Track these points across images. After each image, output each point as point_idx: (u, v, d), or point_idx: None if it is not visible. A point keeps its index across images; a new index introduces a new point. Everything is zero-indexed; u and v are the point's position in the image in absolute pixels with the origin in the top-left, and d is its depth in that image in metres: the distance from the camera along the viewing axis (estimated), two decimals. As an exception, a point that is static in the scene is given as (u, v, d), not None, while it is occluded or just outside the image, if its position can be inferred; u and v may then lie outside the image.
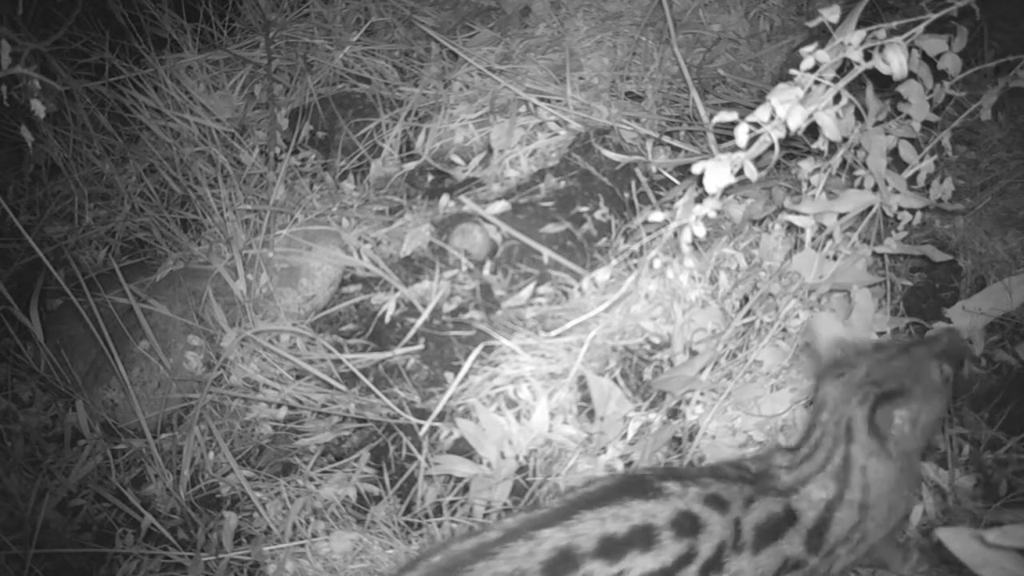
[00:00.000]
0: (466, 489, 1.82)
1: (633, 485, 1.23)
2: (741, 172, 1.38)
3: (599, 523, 1.17)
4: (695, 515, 1.21)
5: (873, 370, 1.34)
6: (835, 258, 1.71)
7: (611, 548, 1.15)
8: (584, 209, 2.26)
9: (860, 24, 1.37)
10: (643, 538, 1.17)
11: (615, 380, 1.92)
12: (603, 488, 1.23)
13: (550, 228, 2.23)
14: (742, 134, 1.33)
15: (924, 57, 1.51)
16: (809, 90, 1.37)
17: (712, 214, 1.45)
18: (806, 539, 1.27)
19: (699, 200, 1.46)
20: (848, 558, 1.33)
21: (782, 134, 1.36)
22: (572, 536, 1.16)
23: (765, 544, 1.24)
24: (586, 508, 1.19)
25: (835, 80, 1.39)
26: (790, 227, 1.94)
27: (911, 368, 1.33)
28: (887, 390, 1.30)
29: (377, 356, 2.07)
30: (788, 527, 1.27)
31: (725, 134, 1.81)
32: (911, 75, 1.49)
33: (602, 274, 2.10)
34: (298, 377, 2.08)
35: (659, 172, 2.30)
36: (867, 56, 1.39)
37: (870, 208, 1.65)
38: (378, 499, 1.87)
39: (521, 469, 1.84)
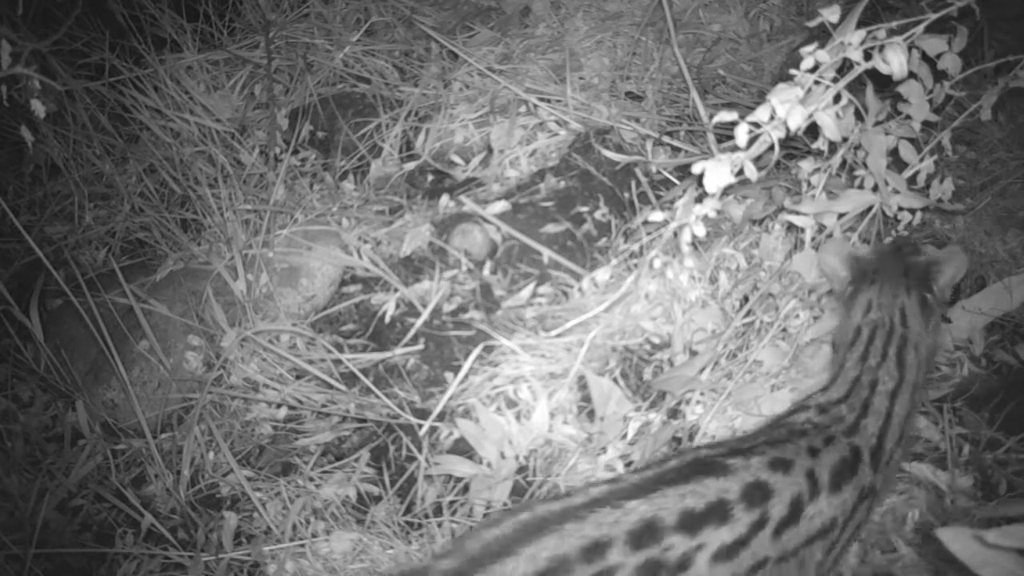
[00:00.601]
0: (466, 489, 1.82)
1: (704, 466, 1.29)
2: (741, 172, 1.38)
3: (679, 499, 1.23)
4: (764, 483, 1.28)
5: (903, 268, 1.49)
6: (835, 258, 1.71)
7: (690, 522, 1.22)
8: (584, 209, 2.26)
9: (860, 24, 1.37)
10: (719, 513, 1.24)
11: (615, 380, 1.92)
12: (677, 469, 1.29)
13: (550, 228, 2.23)
14: (742, 134, 1.33)
15: (924, 57, 1.51)
16: (809, 90, 1.37)
17: (712, 214, 1.45)
18: (871, 463, 1.36)
19: (699, 200, 1.46)
20: (898, 453, 1.42)
21: (782, 134, 1.36)
22: (656, 509, 1.22)
23: (843, 482, 1.32)
24: (666, 486, 1.25)
25: (835, 80, 1.39)
26: (790, 227, 1.94)
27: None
28: (920, 277, 1.47)
29: (377, 356, 2.07)
30: (859, 462, 1.35)
31: (725, 134, 1.81)
32: (911, 75, 1.49)
33: (602, 274, 2.10)
34: (298, 377, 2.08)
35: (659, 172, 2.30)
36: (867, 56, 1.39)
37: (870, 208, 1.65)
38: (378, 499, 1.87)
39: (521, 469, 1.84)
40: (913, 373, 1.42)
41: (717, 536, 1.22)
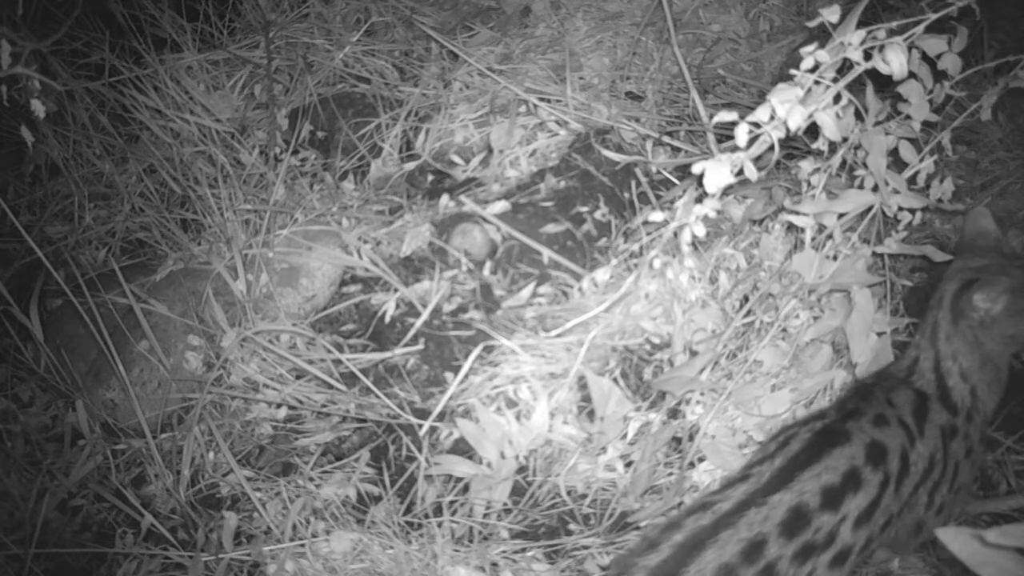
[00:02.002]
0: (466, 489, 1.82)
1: (828, 436, 1.35)
2: (741, 172, 1.38)
3: (817, 478, 1.30)
4: (879, 441, 1.35)
5: (985, 263, 1.52)
6: (835, 258, 1.71)
7: (832, 498, 1.29)
8: (584, 209, 2.26)
9: (860, 24, 1.37)
10: (853, 481, 1.31)
11: (615, 380, 1.92)
12: (805, 449, 1.35)
13: (550, 228, 2.23)
14: (742, 134, 1.33)
15: (924, 57, 1.51)
16: (809, 90, 1.37)
17: (712, 214, 1.45)
18: (943, 404, 1.43)
19: (699, 200, 1.46)
20: (979, 423, 1.48)
21: (782, 134, 1.36)
22: (799, 495, 1.28)
23: (924, 423, 1.40)
24: (800, 469, 1.31)
25: (835, 80, 1.39)
26: (790, 227, 1.94)
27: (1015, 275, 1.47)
28: (973, 277, 1.47)
29: (377, 356, 2.07)
30: (926, 402, 1.43)
31: (725, 134, 1.81)
32: (911, 75, 1.49)
33: (602, 274, 2.10)
34: (298, 377, 2.08)
35: (659, 172, 2.30)
36: (867, 56, 1.39)
37: (870, 208, 1.65)
38: (378, 499, 1.87)
39: (521, 469, 1.84)
40: (950, 363, 1.46)
41: (855, 504, 1.29)
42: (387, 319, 2.13)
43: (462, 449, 1.88)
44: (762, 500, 1.28)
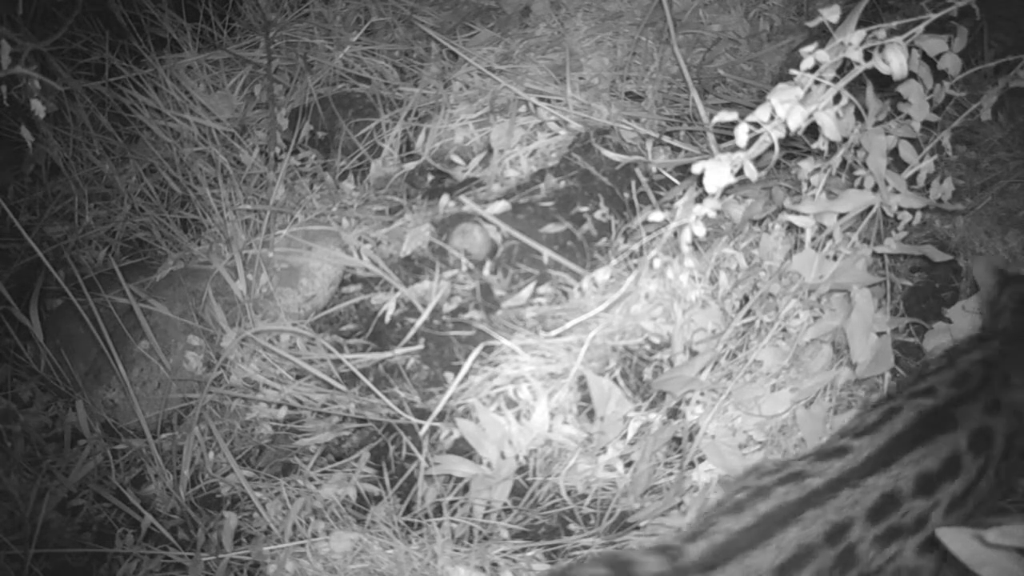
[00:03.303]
0: (466, 489, 1.82)
1: (935, 420, 1.35)
2: (741, 172, 1.38)
3: (916, 464, 1.29)
4: (988, 427, 1.35)
5: None
6: (835, 258, 1.71)
7: (928, 485, 1.28)
8: (584, 209, 2.26)
9: (860, 24, 1.37)
10: (952, 468, 1.30)
11: (615, 380, 1.92)
12: (910, 431, 1.34)
13: (550, 228, 2.23)
14: (742, 134, 1.33)
15: (924, 57, 1.51)
16: (809, 90, 1.37)
17: (712, 214, 1.45)
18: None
19: (699, 200, 1.46)
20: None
21: (782, 134, 1.36)
22: (895, 481, 1.27)
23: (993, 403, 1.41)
24: (902, 452, 1.30)
25: (835, 80, 1.39)
26: (790, 227, 1.94)
27: None
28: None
29: (377, 356, 2.07)
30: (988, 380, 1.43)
31: (725, 134, 1.81)
32: (911, 75, 1.49)
33: (602, 274, 2.10)
34: (298, 377, 2.08)
35: (659, 172, 2.30)
36: (867, 56, 1.39)
37: (870, 208, 1.65)
38: (378, 499, 1.87)
39: (521, 469, 1.84)
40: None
41: (950, 490, 1.29)
42: (387, 319, 2.13)
43: (462, 449, 1.88)
44: (857, 482, 1.28)
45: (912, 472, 1.28)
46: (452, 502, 1.81)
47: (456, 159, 2.46)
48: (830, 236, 1.71)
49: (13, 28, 1.98)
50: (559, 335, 2.00)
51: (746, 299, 1.86)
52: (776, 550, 1.23)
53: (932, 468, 1.29)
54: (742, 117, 1.35)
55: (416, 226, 2.29)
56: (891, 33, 1.39)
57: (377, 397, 1.97)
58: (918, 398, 1.40)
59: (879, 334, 1.69)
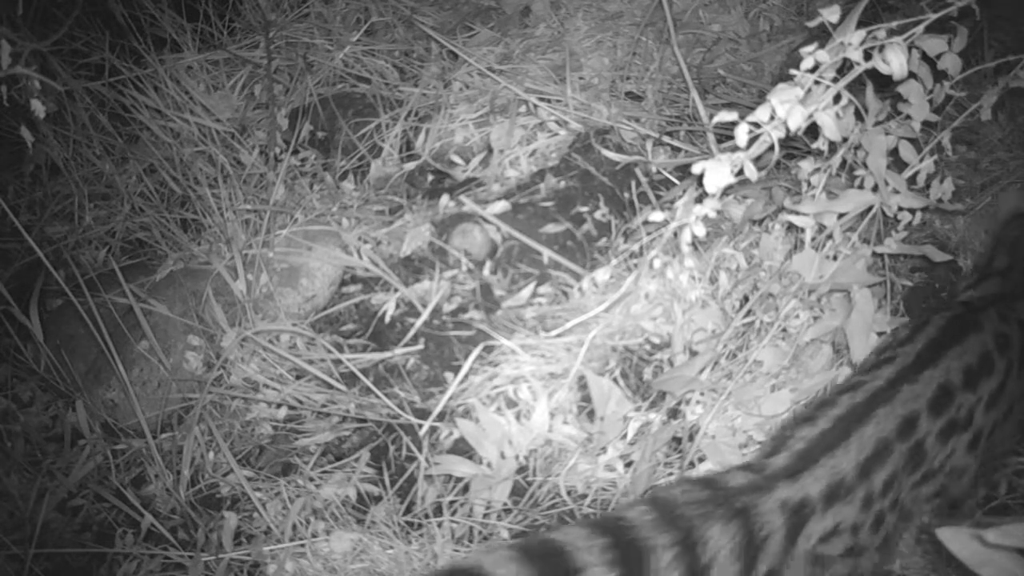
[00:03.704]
0: (466, 489, 1.82)
1: (964, 323, 1.48)
2: (741, 172, 1.38)
3: (959, 358, 1.40)
4: (1004, 333, 1.47)
5: None
6: (835, 258, 1.71)
7: (971, 379, 1.40)
8: (584, 209, 2.26)
9: (860, 24, 1.37)
10: (987, 364, 1.42)
11: (615, 380, 1.92)
12: (943, 329, 1.47)
13: (550, 228, 2.23)
14: (742, 134, 1.33)
15: (924, 57, 1.51)
16: (809, 90, 1.37)
17: (712, 214, 1.45)
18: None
19: (699, 200, 1.46)
20: None
21: (782, 134, 1.36)
22: (946, 373, 1.38)
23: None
24: (944, 349, 1.42)
25: (835, 80, 1.39)
26: (790, 227, 1.94)
27: None
28: None
29: (377, 356, 2.07)
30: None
31: (725, 134, 1.81)
32: (911, 75, 1.49)
33: (602, 274, 2.10)
34: (298, 377, 2.08)
35: (659, 172, 2.30)
36: (867, 56, 1.39)
37: (870, 208, 1.65)
38: (378, 499, 1.87)
39: (521, 469, 1.84)
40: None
41: (988, 386, 1.41)
42: (387, 319, 2.13)
43: (462, 449, 1.88)
44: (914, 377, 1.37)
45: (958, 366, 1.39)
46: (452, 502, 1.81)
47: (456, 159, 2.46)
48: (830, 236, 1.71)
49: (13, 28, 1.98)
50: (559, 335, 2.00)
51: (746, 299, 1.86)
52: (857, 448, 1.30)
53: (972, 363, 1.40)
54: (742, 117, 1.35)
55: (416, 226, 2.29)
56: (891, 33, 1.39)
57: (377, 397, 1.97)
58: (940, 311, 1.51)
59: (879, 334, 1.69)
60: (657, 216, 1.54)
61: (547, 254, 2.18)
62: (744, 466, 1.35)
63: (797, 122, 1.34)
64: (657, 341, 1.98)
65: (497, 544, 1.29)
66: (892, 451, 1.31)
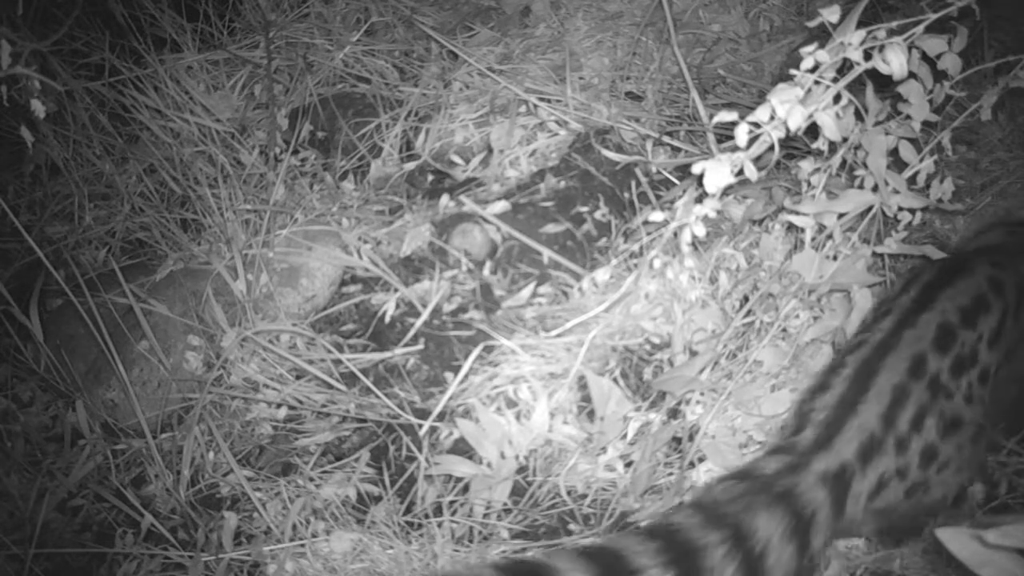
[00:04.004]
0: (466, 489, 1.82)
1: (954, 269, 1.54)
2: (741, 172, 1.38)
3: (953, 299, 1.46)
4: (997, 277, 1.52)
5: None
6: (835, 258, 1.71)
7: (968, 316, 1.45)
8: (584, 209, 2.26)
9: (860, 24, 1.37)
10: (982, 303, 1.48)
11: (615, 380, 1.91)
12: (935, 275, 1.53)
13: (550, 228, 2.23)
14: (742, 134, 1.34)
15: (924, 57, 1.51)
16: (809, 90, 1.37)
17: (712, 214, 1.45)
18: None
19: (699, 200, 1.46)
20: None
21: (782, 134, 1.36)
22: (942, 314, 1.44)
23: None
24: (937, 292, 1.48)
25: (835, 80, 1.39)
26: (790, 227, 1.94)
27: None
28: None
29: (377, 356, 2.07)
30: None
31: (725, 134, 1.81)
32: (911, 75, 1.49)
33: (602, 274, 2.10)
34: (298, 377, 2.08)
35: (659, 172, 2.30)
36: (867, 56, 1.39)
37: (870, 208, 1.65)
38: (378, 499, 1.87)
39: (521, 469, 1.84)
40: None
41: (987, 323, 1.46)
42: (387, 319, 2.13)
43: (462, 449, 1.88)
44: (913, 321, 1.43)
45: (953, 306, 1.44)
46: (452, 502, 1.81)
47: (456, 159, 2.46)
48: (830, 236, 1.71)
49: (13, 28, 1.98)
50: (559, 335, 2.00)
51: (746, 299, 1.86)
52: (876, 400, 1.35)
53: (967, 303, 1.45)
54: (742, 117, 1.35)
55: (416, 226, 2.29)
56: (891, 33, 1.39)
57: (377, 397, 1.97)
58: (935, 263, 1.58)
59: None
60: (657, 216, 1.54)
61: (547, 254, 2.18)
62: (775, 450, 1.40)
63: (797, 122, 1.34)
64: (657, 341, 1.98)
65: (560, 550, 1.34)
66: (910, 392, 1.36)
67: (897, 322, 1.45)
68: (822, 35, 1.38)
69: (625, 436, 1.83)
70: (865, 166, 1.64)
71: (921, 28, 1.42)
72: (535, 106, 2.45)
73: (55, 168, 2.51)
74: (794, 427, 1.41)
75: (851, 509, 1.33)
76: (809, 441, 1.34)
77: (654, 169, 2.30)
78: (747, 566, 1.23)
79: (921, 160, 1.67)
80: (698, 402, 1.82)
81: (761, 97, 1.41)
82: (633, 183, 2.28)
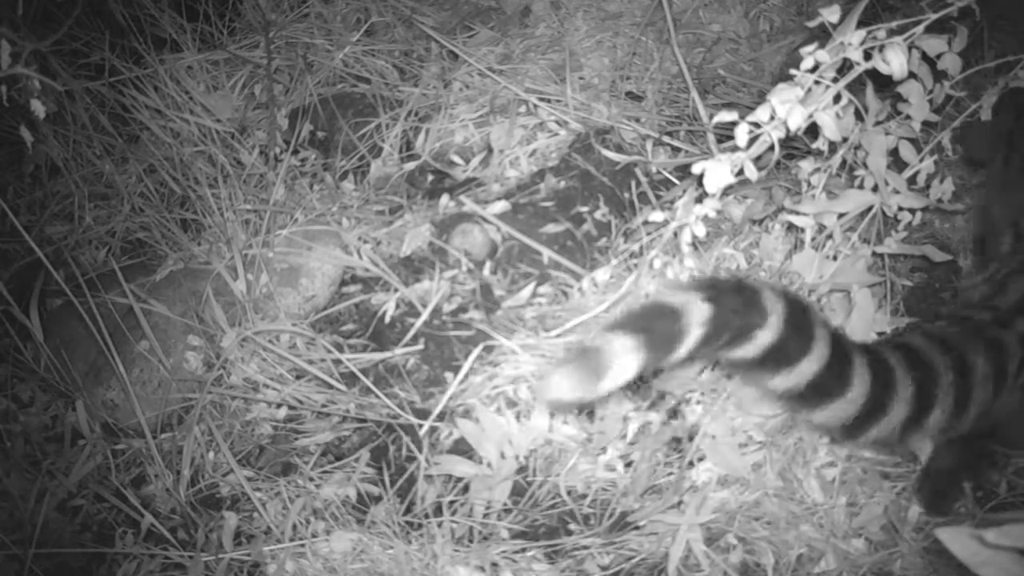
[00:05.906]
0: (466, 489, 1.82)
1: None
2: (741, 172, 1.38)
3: None
4: None
5: None
6: (835, 258, 1.71)
7: None
8: (584, 209, 2.26)
9: (860, 24, 1.38)
10: None
11: (615, 380, 1.91)
12: None
13: (550, 228, 2.23)
14: (742, 134, 1.34)
15: (924, 57, 1.51)
16: (809, 90, 1.37)
17: (712, 214, 1.45)
18: None
19: (699, 200, 1.46)
20: None
21: (782, 134, 1.36)
22: None
23: None
24: None
25: (835, 80, 1.39)
26: (790, 227, 1.94)
27: None
28: None
29: (377, 356, 2.07)
30: None
31: (725, 134, 1.81)
32: (911, 75, 1.49)
33: (602, 274, 2.10)
34: (298, 377, 2.08)
35: (659, 172, 2.30)
36: (867, 56, 1.39)
37: (870, 208, 1.65)
38: (378, 499, 1.87)
39: (521, 469, 1.84)
40: None
41: None
42: (387, 319, 2.13)
43: (462, 449, 1.88)
44: None
45: None
46: (452, 502, 1.82)
47: (456, 159, 2.46)
48: (830, 236, 1.71)
49: (13, 28, 1.98)
50: (559, 335, 2.00)
51: (746, 299, 1.86)
52: None
53: None
54: (742, 117, 1.35)
55: (416, 226, 2.29)
56: (891, 33, 1.39)
57: (377, 397, 1.97)
58: None
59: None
60: (657, 216, 1.54)
61: (547, 254, 2.18)
62: (980, 306, 1.46)
63: (797, 122, 1.34)
64: (657, 341, 1.98)
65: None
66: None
67: None
68: (822, 35, 1.39)
69: (625, 436, 1.83)
70: (865, 166, 1.64)
71: (921, 28, 1.42)
72: (535, 106, 2.45)
73: (55, 168, 2.51)
74: (990, 291, 1.48)
75: None
76: (1012, 303, 1.40)
77: (654, 169, 2.30)
78: (962, 395, 1.30)
79: (921, 160, 1.67)
80: (698, 402, 1.82)
81: (761, 97, 1.41)
82: (633, 183, 2.28)
